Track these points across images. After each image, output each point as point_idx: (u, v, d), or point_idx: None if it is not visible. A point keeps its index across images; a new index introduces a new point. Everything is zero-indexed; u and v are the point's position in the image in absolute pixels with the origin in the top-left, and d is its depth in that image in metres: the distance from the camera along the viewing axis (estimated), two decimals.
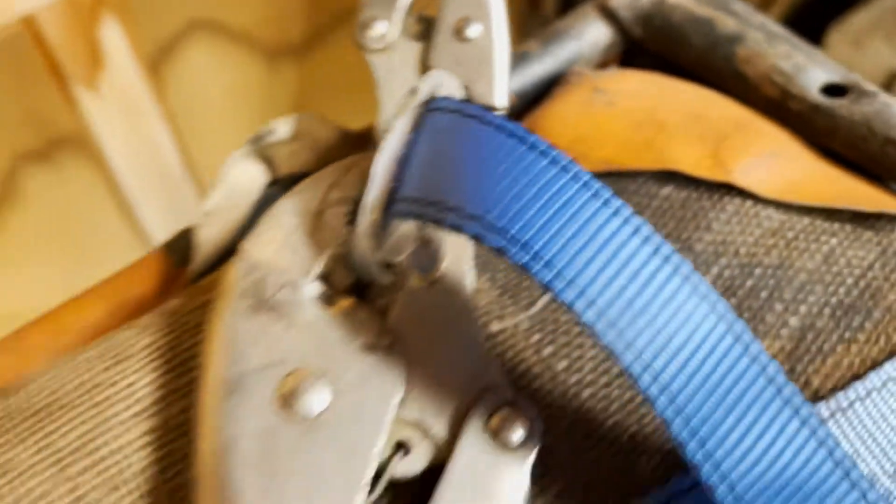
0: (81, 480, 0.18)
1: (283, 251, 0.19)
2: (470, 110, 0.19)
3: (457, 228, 0.17)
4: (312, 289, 0.19)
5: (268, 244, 0.19)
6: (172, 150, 0.53)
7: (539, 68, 0.29)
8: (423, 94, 0.20)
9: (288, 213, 0.20)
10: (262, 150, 0.26)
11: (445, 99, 0.19)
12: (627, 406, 0.20)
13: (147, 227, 0.53)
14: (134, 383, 0.19)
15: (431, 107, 0.20)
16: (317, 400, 0.17)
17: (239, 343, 0.18)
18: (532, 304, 0.21)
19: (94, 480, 0.18)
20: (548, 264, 0.16)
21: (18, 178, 0.57)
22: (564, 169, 0.17)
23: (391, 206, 0.19)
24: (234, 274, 0.19)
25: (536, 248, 0.16)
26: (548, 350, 0.21)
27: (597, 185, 0.17)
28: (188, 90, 0.60)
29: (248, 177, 0.26)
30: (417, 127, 0.20)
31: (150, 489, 0.18)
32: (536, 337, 0.21)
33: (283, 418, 0.17)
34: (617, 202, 0.17)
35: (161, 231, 0.54)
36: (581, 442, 0.19)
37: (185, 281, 0.23)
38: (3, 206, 0.57)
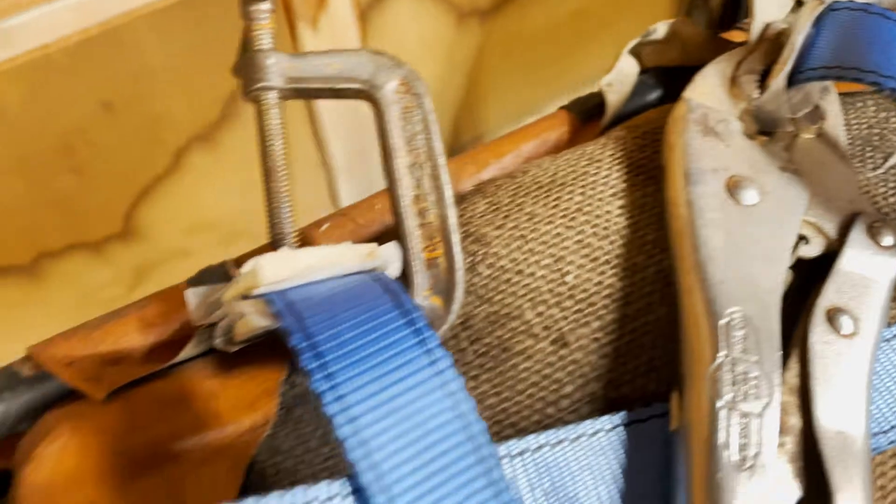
0: (583, 229, 0.26)
1: (714, 99, 0.27)
2: (874, 9, 0.26)
3: (877, 84, 0.24)
4: (738, 125, 0.27)
5: (703, 94, 0.27)
6: None
7: None
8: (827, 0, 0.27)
9: (712, 76, 0.28)
10: (636, 47, 0.34)
11: (849, 2, 0.27)
12: None
13: (332, 157, 0.59)
14: (608, 175, 0.27)
15: (833, 7, 0.27)
16: (750, 196, 0.25)
17: (695, 152, 0.25)
18: (877, 167, 0.28)
19: (591, 230, 0.26)
20: None
21: (239, 101, 0.64)
22: None
23: (798, 74, 0.26)
24: (684, 109, 0.27)
25: None
26: (892, 199, 0.28)
27: None
28: (388, 39, 0.66)
29: (628, 65, 0.33)
30: (818, 22, 0.27)
31: (626, 242, 0.25)
32: (882, 189, 0.28)
33: (731, 203, 0.25)
34: None
35: (343, 163, 0.61)
36: None
37: (599, 129, 0.31)
38: (224, 125, 0.64)
